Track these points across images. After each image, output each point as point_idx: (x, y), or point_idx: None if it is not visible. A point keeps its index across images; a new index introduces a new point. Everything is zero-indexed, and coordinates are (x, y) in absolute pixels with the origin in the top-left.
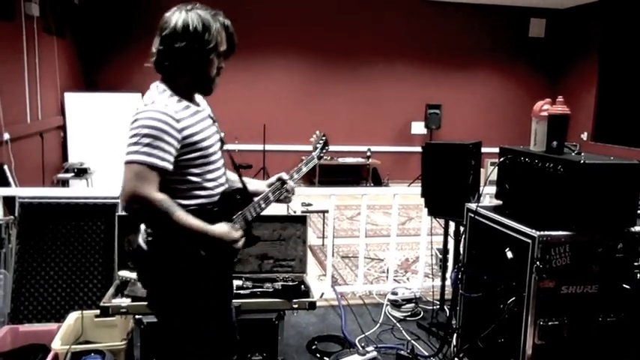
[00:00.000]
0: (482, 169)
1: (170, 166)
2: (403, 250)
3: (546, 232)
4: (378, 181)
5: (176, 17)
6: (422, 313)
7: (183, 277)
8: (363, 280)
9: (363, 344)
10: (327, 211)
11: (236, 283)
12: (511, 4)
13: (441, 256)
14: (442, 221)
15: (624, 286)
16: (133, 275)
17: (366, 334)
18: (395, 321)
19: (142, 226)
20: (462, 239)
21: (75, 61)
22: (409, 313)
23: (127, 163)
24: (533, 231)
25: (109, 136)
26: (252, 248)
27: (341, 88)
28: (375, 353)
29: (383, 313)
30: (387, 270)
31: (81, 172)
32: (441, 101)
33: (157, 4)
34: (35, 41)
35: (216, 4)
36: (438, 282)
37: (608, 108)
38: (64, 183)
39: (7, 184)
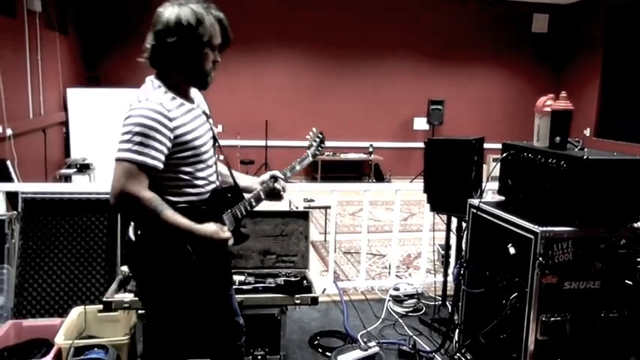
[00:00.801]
0: (484, 165)
1: (161, 165)
2: (405, 245)
3: (549, 228)
4: (380, 177)
5: (169, 12)
6: (424, 308)
7: (170, 271)
8: (365, 276)
9: (365, 340)
10: (329, 207)
11: (238, 278)
12: None
13: (443, 252)
14: (444, 217)
15: (627, 282)
16: None
17: (368, 329)
18: (397, 316)
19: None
20: (465, 235)
21: (77, 56)
22: (411, 309)
23: (118, 160)
24: (536, 227)
25: (111, 132)
26: (255, 244)
27: (343, 84)
28: (377, 349)
29: (385, 308)
30: (389, 266)
31: (83, 168)
32: (443, 97)
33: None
34: (37, 37)
35: (219, 1)
36: (440, 278)
37: (612, 104)
38: (67, 178)
39: (9, 179)
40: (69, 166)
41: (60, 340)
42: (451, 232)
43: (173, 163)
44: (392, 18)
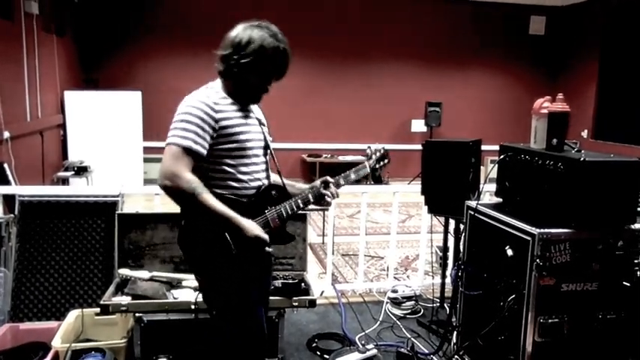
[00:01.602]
0: (482, 167)
1: (203, 151)
2: (403, 247)
3: (546, 230)
4: (378, 179)
5: (240, 30)
6: (422, 310)
7: (213, 256)
8: (363, 278)
9: (363, 342)
10: (327, 209)
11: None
12: (511, 1)
13: (441, 254)
14: (442, 219)
15: (624, 283)
16: (133, 273)
17: (366, 331)
18: (395, 319)
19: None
20: (462, 237)
21: (74, 59)
22: (409, 311)
23: (166, 144)
24: (533, 228)
25: (108, 135)
26: None
27: (341, 85)
28: (375, 351)
29: (383, 310)
30: (387, 268)
31: (81, 171)
32: (441, 99)
33: (155, 2)
34: (35, 40)
35: (218, 2)
36: (438, 280)
37: (609, 105)
38: (64, 181)
39: (7, 182)
40: (66, 169)
41: (57, 343)
42: (449, 234)
43: (218, 155)
44: (389, 20)
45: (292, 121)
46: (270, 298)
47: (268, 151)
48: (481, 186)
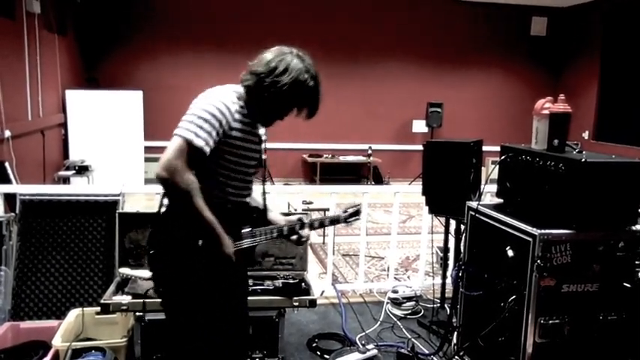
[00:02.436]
0: (483, 168)
1: (208, 151)
2: (404, 248)
3: (547, 231)
4: (379, 180)
5: (276, 51)
6: (422, 311)
7: (181, 259)
8: (364, 278)
9: (363, 342)
10: (327, 209)
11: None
12: (513, 2)
13: (441, 255)
14: (443, 219)
15: (625, 284)
16: (134, 273)
17: (367, 332)
18: (395, 319)
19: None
20: (463, 237)
21: (76, 58)
22: (410, 311)
23: (176, 134)
24: (534, 229)
25: (109, 134)
26: None
27: (342, 86)
28: (375, 351)
29: (383, 311)
30: (388, 268)
31: (82, 170)
32: (442, 99)
33: (158, 2)
34: (36, 39)
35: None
36: (438, 280)
37: (610, 107)
38: (65, 180)
39: (8, 181)
40: (67, 168)
41: (57, 342)
42: (450, 235)
43: (216, 162)
44: (391, 20)
45: (293, 121)
46: (271, 297)
47: (260, 168)
48: (482, 186)
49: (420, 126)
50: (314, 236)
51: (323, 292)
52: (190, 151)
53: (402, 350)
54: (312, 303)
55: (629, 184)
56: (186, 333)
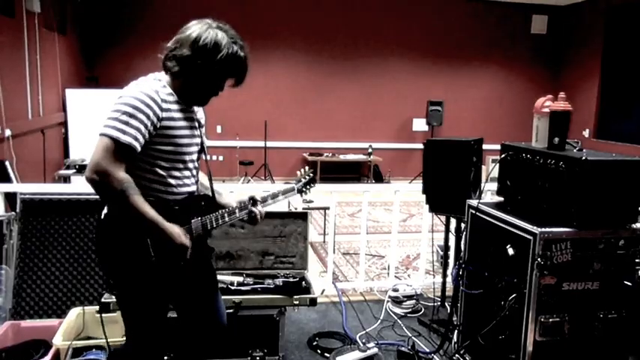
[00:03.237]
0: (483, 166)
1: (139, 148)
2: (404, 246)
3: (547, 229)
4: (379, 178)
5: (195, 28)
6: (423, 309)
7: (128, 261)
8: (364, 277)
9: (363, 340)
10: (328, 208)
11: (237, 279)
12: (513, 0)
13: (442, 253)
14: (443, 218)
15: (625, 282)
16: None
17: (367, 330)
18: (396, 317)
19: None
20: (463, 236)
21: (76, 57)
22: (410, 310)
23: (101, 135)
24: (535, 227)
25: None
26: (253, 244)
27: (342, 84)
28: (375, 349)
29: (384, 309)
30: (388, 267)
31: (82, 169)
32: (442, 98)
33: (158, 0)
34: (36, 37)
35: (220, 2)
36: (439, 278)
37: (611, 105)
38: (66, 179)
39: (8, 180)
40: (68, 167)
41: (58, 341)
42: (450, 233)
43: (152, 155)
44: (391, 19)
45: (294, 120)
46: (271, 296)
47: (202, 154)
48: (482, 185)
49: (420, 124)
50: (314, 235)
51: (323, 290)
52: (118, 149)
53: (403, 349)
54: (313, 301)
55: (629, 182)
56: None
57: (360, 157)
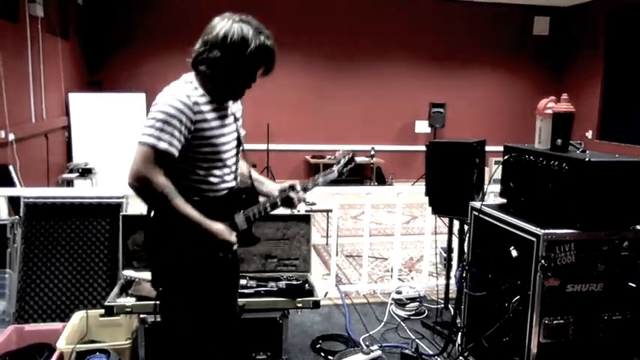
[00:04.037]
0: (486, 168)
1: (176, 153)
2: (407, 249)
3: (551, 231)
4: (382, 180)
5: (221, 25)
6: (426, 312)
7: (177, 260)
8: (367, 279)
9: (367, 343)
10: (331, 210)
11: (240, 282)
12: (515, 2)
13: (445, 255)
14: (446, 220)
15: (630, 284)
16: (138, 274)
17: (371, 333)
18: (399, 320)
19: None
20: (467, 238)
21: (79, 61)
22: (413, 312)
23: (139, 143)
24: (538, 229)
25: (113, 137)
26: (256, 247)
27: (345, 87)
28: (379, 352)
29: (387, 312)
30: (392, 269)
31: (85, 172)
32: (445, 100)
33: (160, 5)
34: (39, 42)
35: (221, 4)
36: (442, 281)
37: (614, 106)
38: (69, 183)
39: (12, 184)
40: (71, 171)
41: (62, 344)
42: (453, 235)
43: (191, 157)
44: (393, 21)
45: (296, 123)
46: (274, 299)
47: (240, 147)
48: (485, 187)
49: (422, 126)
50: (317, 237)
51: (327, 293)
52: (156, 155)
53: (406, 351)
54: (316, 304)
55: (633, 183)
56: (186, 334)
57: (363, 159)
